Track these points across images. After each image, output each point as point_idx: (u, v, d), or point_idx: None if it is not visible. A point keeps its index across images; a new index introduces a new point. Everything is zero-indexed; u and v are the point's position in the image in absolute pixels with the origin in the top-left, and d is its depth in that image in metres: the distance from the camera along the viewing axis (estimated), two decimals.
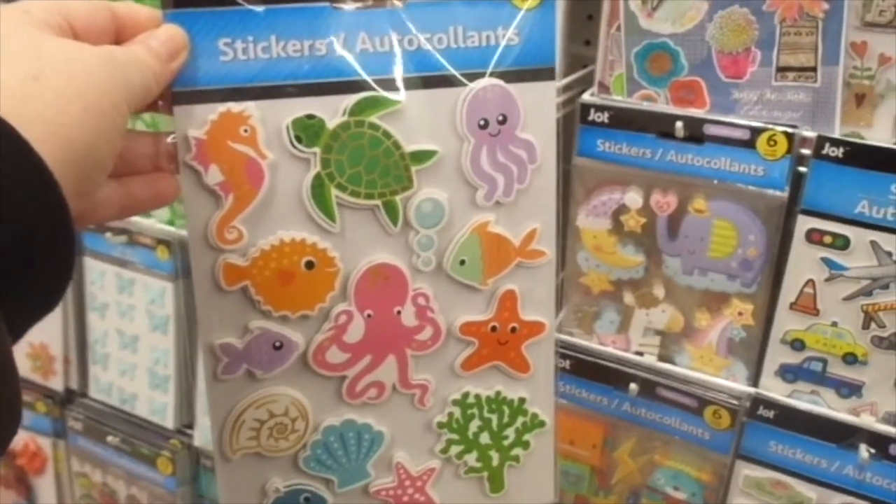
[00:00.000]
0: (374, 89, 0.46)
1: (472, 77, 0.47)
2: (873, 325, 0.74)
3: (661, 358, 0.83)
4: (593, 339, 0.86)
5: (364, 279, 0.48)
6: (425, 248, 0.49)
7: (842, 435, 0.76)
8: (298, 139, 0.45)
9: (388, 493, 0.53)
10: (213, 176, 0.45)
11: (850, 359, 0.76)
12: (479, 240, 0.49)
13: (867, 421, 0.75)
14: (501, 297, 0.51)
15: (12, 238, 0.31)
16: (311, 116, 0.45)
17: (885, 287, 0.73)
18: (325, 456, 0.51)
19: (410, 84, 0.46)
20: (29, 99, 0.34)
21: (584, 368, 0.84)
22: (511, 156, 0.49)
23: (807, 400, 0.78)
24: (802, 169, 0.73)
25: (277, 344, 0.48)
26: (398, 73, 0.46)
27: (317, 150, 0.46)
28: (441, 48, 0.47)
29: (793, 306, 0.76)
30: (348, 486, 0.52)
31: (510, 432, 0.54)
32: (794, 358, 0.78)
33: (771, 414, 0.78)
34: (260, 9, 0.44)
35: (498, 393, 0.53)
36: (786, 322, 0.77)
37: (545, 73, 0.49)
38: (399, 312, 0.49)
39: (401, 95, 0.46)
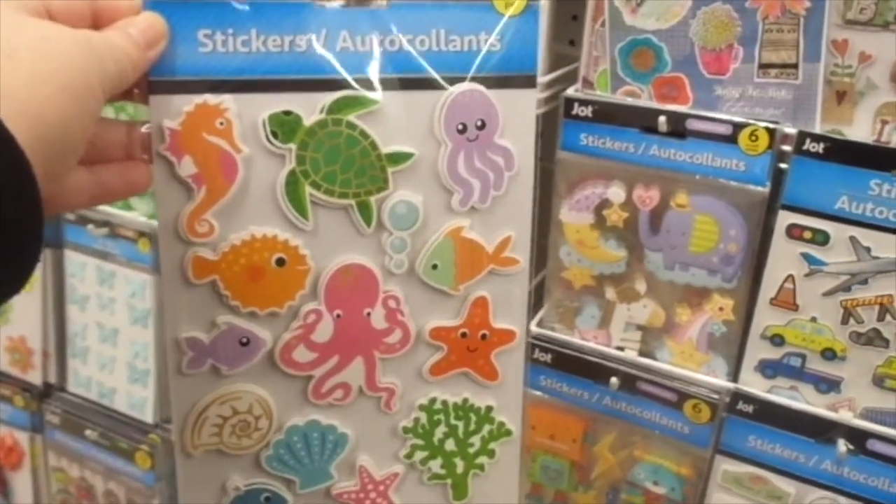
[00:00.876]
0: (353, 88, 0.46)
1: (453, 81, 0.47)
2: (852, 321, 0.75)
3: (642, 353, 0.83)
4: (575, 333, 0.86)
5: (335, 279, 0.48)
6: (398, 250, 0.48)
7: (820, 430, 0.76)
8: (274, 134, 0.45)
9: (350, 496, 0.52)
10: (187, 167, 0.45)
11: (829, 354, 0.76)
12: (453, 245, 0.49)
13: (845, 416, 0.76)
14: (473, 304, 0.51)
15: None
16: (287, 112, 0.45)
17: (864, 283, 0.73)
18: (287, 456, 0.50)
19: (390, 85, 0.46)
20: (1, 76, 0.33)
21: (565, 362, 0.84)
22: (488, 162, 0.48)
23: (786, 395, 0.78)
24: (783, 165, 0.74)
25: (244, 340, 0.47)
26: (378, 73, 0.46)
27: (292, 146, 0.45)
28: (422, 50, 0.46)
29: (772, 302, 0.77)
30: (310, 488, 0.52)
31: (476, 440, 0.54)
32: (773, 353, 0.78)
33: (750, 409, 0.78)
34: (241, 2, 0.44)
35: (465, 400, 0.53)
36: (765, 317, 0.78)
37: (526, 81, 0.49)
38: (369, 314, 0.49)
39: (379, 96, 0.46)
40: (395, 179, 0.47)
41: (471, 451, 0.54)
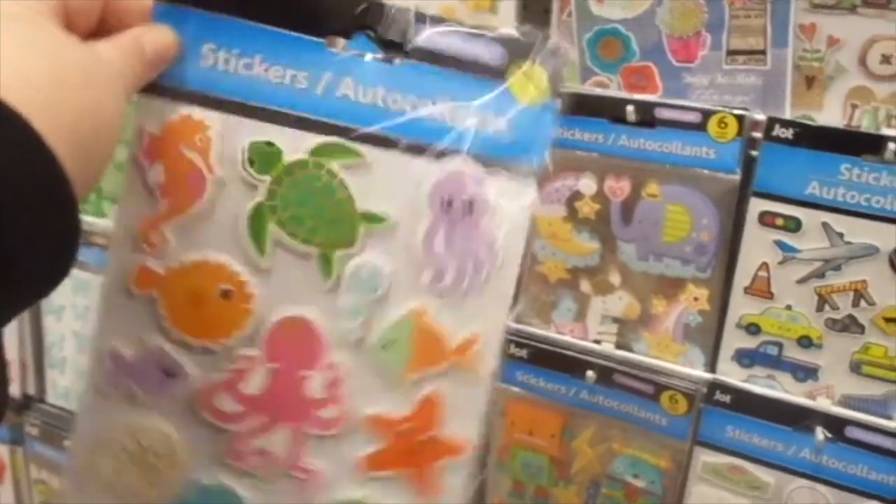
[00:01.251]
0: (342, 136, 0.43)
1: (448, 153, 0.44)
2: (827, 308, 0.74)
3: (619, 346, 0.83)
4: (551, 328, 0.85)
5: (278, 329, 0.44)
6: (352, 315, 0.44)
7: (798, 418, 0.75)
8: (251, 162, 0.43)
9: None
10: (155, 175, 0.43)
11: (805, 342, 0.76)
12: (412, 326, 0.44)
13: (823, 404, 0.75)
14: (424, 399, 0.45)
15: (25, 230, 0.32)
16: (270, 143, 0.43)
17: (837, 269, 0.73)
18: None
19: (381, 142, 0.43)
20: (54, 103, 0.34)
21: (541, 357, 0.84)
22: (469, 247, 0.44)
23: (763, 384, 0.78)
24: (754, 153, 0.73)
25: (169, 370, 0.44)
26: (372, 128, 0.43)
27: (267, 178, 0.43)
28: (424, 115, 0.44)
29: (747, 290, 0.76)
30: None
31: None
32: (749, 342, 0.78)
33: (727, 399, 0.77)
34: (253, 26, 0.43)
35: None
36: (741, 306, 0.77)
37: (527, 174, 0.44)
38: (305, 378, 0.44)
39: (368, 151, 0.43)
40: (364, 240, 0.44)
41: None
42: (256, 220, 0.43)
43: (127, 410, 0.44)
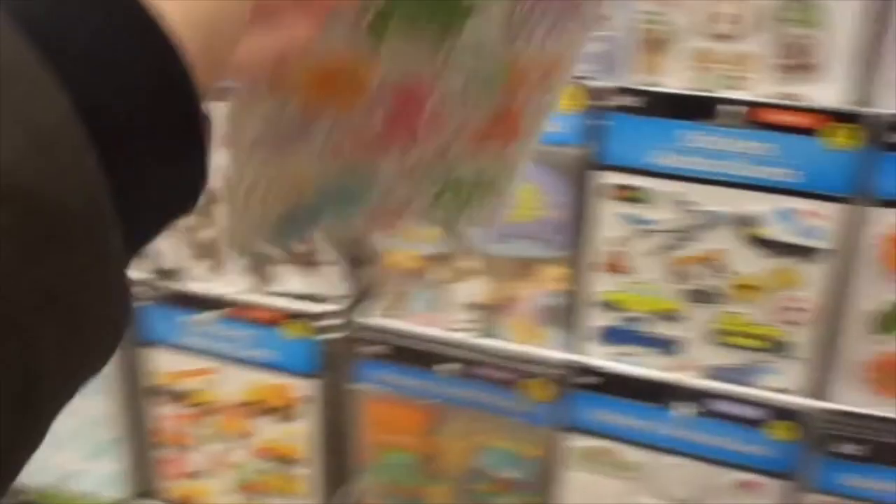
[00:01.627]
0: None
1: None
2: (684, 279, 0.72)
3: (480, 334, 0.79)
4: (408, 320, 0.80)
5: (395, 86, 0.49)
6: (457, 74, 0.50)
7: (663, 395, 0.73)
8: None
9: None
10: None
11: (666, 315, 0.73)
12: (506, 72, 0.51)
13: (687, 378, 0.73)
14: (511, 108, 0.52)
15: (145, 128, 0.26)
16: None
17: (692, 238, 0.70)
18: (325, 197, 0.52)
19: None
20: None
21: (400, 354, 0.79)
22: (558, 7, 0.49)
23: (628, 362, 0.75)
24: (600, 122, 0.70)
25: (304, 127, 0.48)
26: None
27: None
28: None
29: (603, 267, 0.73)
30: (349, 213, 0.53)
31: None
32: (610, 320, 0.75)
33: (593, 381, 0.75)
34: None
35: (481, 171, 0.54)
36: (598, 284, 0.74)
37: None
38: (418, 107, 0.50)
39: None
40: (469, 21, 0.48)
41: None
42: (375, 26, 0.47)
43: (273, 160, 0.49)
